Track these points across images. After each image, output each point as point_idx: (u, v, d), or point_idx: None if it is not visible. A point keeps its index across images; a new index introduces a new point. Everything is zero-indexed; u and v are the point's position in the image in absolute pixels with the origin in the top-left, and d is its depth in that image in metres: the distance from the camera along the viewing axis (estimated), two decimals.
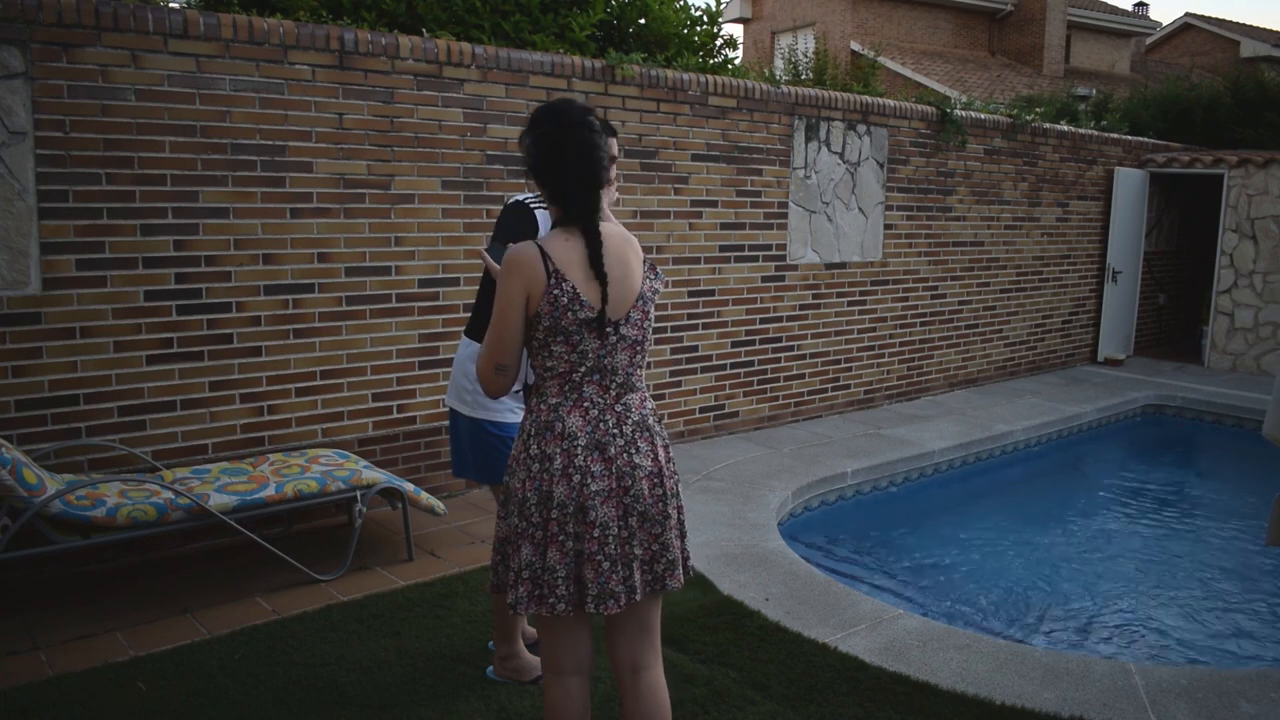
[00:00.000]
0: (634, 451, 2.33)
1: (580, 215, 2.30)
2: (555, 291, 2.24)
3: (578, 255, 2.28)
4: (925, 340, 8.20)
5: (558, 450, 2.28)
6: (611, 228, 2.39)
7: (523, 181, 5.34)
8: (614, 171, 3.15)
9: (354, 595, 3.96)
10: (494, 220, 5.24)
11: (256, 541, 4.00)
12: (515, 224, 3.05)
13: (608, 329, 2.30)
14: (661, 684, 2.44)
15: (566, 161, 2.29)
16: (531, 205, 3.12)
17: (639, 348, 2.38)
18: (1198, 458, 8.10)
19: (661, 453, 2.39)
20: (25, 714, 3.02)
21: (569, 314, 2.25)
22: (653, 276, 2.43)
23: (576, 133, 2.30)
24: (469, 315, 3.29)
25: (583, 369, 2.30)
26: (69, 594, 3.95)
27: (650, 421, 2.40)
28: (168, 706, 3.09)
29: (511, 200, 3.15)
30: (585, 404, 2.31)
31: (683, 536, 2.45)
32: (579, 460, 2.28)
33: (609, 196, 3.14)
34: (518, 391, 3.21)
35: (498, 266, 2.38)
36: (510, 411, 3.18)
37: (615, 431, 2.31)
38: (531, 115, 2.40)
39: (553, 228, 2.36)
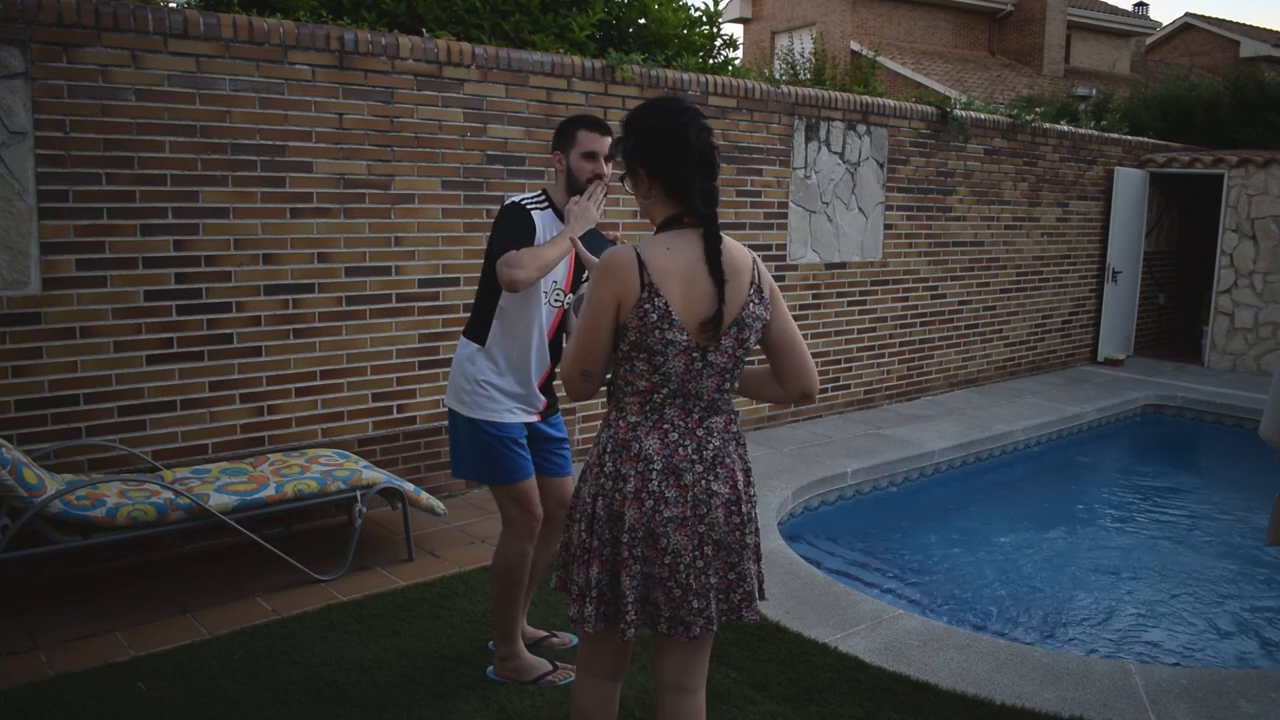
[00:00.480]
0: (712, 478, 2.21)
1: (705, 202, 2.17)
2: (646, 306, 2.12)
3: (681, 266, 2.14)
4: (925, 340, 8.20)
5: (632, 472, 2.19)
6: (729, 239, 2.24)
7: (523, 182, 5.35)
8: (609, 169, 3.16)
9: (354, 595, 3.96)
10: (493, 220, 5.25)
11: (256, 541, 4.00)
12: (513, 225, 3.04)
13: (694, 354, 2.17)
14: (703, 709, 2.35)
15: (689, 147, 2.16)
16: (528, 206, 3.11)
17: (727, 376, 2.24)
18: (1198, 458, 8.10)
19: (741, 478, 2.27)
20: (25, 714, 3.02)
21: (656, 332, 2.13)
22: (757, 301, 2.24)
23: (696, 121, 2.19)
24: (468, 315, 3.29)
25: (665, 390, 2.19)
26: (69, 594, 3.95)
27: (731, 447, 2.27)
28: (168, 706, 3.09)
29: (508, 201, 3.14)
30: (665, 426, 2.20)
31: (758, 560, 2.33)
32: (653, 485, 2.18)
33: (598, 203, 3.15)
34: (521, 394, 3.21)
35: (594, 259, 2.35)
36: (509, 412, 3.17)
37: (694, 458, 2.20)
38: (635, 111, 2.25)
39: (656, 232, 2.23)
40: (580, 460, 5.82)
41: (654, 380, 2.18)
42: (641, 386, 2.20)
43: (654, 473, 2.18)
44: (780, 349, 2.31)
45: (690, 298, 2.14)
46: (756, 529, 2.32)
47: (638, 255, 2.14)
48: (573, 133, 3.12)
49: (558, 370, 2.74)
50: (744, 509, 2.25)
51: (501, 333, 3.14)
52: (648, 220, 2.29)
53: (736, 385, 2.30)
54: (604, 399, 2.37)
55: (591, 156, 3.11)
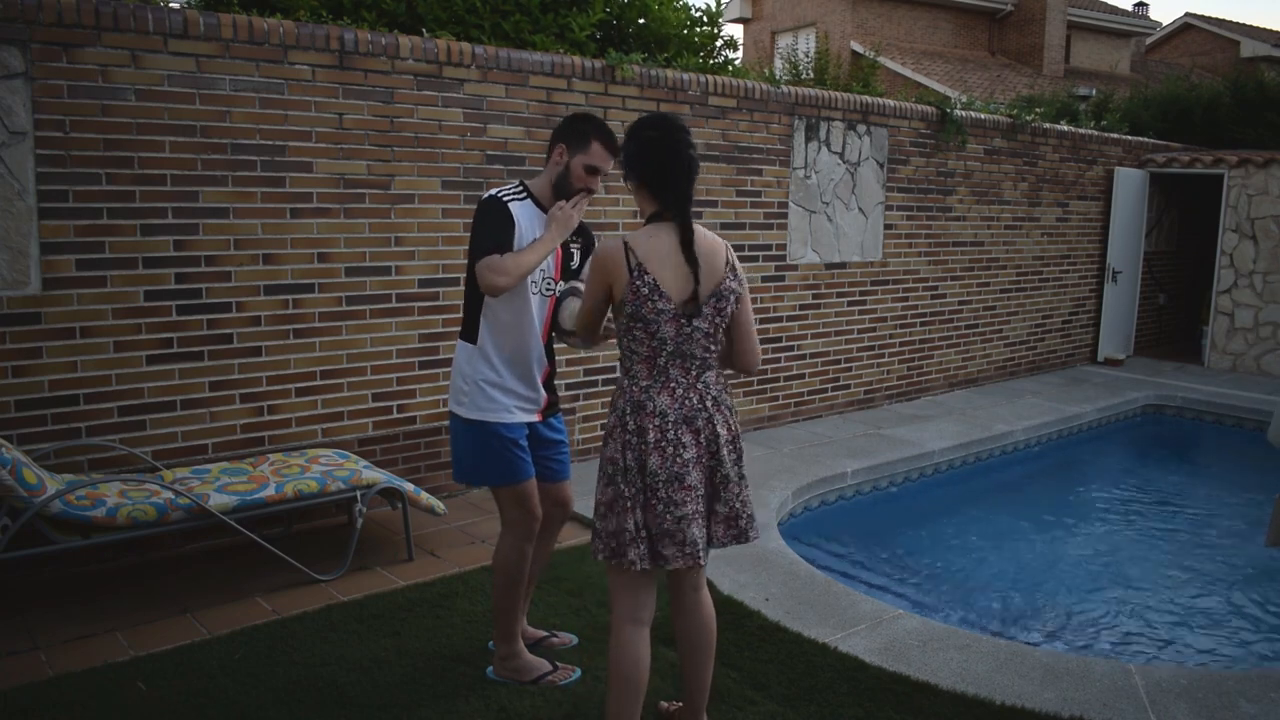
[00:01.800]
0: (716, 423, 2.68)
1: (677, 203, 2.64)
2: (637, 283, 2.60)
3: (665, 249, 2.62)
4: (925, 340, 8.20)
5: (650, 425, 2.62)
6: (701, 228, 2.71)
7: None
8: (611, 164, 3.17)
9: (354, 595, 3.96)
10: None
11: (256, 541, 4.00)
12: (494, 225, 3.01)
13: (681, 320, 2.62)
14: (710, 602, 2.87)
15: (677, 157, 2.64)
16: (506, 199, 3.09)
17: (712, 338, 2.69)
18: (1197, 458, 8.09)
19: (734, 422, 2.76)
20: (25, 714, 3.02)
21: (648, 304, 2.60)
22: (731, 277, 2.70)
23: (682, 136, 2.68)
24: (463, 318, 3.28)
25: (664, 353, 2.64)
26: (69, 594, 3.95)
27: (723, 396, 2.74)
28: (168, 706, 3.09)
29: (486, 195, 3.11)
30: (672, 384, 2.66)
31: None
32: (670, 434, 2.62)
33: (580, 213, 3.19)
34: (521, 391, 3.21)
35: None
36: (508, 412, 3.16)
37: (699, 406, 2.66)
38: (637, 123, 2.74)
39: (646, 222, 2.71)
40: (583, 460, 5.82)
41: (653, 345, 2.64)
42: (645, 352, 2.66)
43: (669, 424, 2.63)
44: (737, 328, 2.77)
45: (674, 276, 2.62)
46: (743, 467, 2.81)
47: (625, 244, 2.63)
48: (588, 140, 3.10)
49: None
50: (739, 445, 2.76)
51: (491, 330, 3.13)
52: (639, 213, 2.79)
53: (719, 348, 2.74)
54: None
55: (593, 171, 3.11)
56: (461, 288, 5.20)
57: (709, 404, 2.68)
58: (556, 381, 3.34)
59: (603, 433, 2.76)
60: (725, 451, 2.69)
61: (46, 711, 3.04)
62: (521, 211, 3.09)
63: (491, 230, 3.00)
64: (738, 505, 2.72)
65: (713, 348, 2.70)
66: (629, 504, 2.62)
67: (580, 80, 5.60)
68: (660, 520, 2.61)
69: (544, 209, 3.15)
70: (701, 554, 2.65)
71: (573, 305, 3.12)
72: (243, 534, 3.94)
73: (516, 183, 3.20)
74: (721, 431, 2.69)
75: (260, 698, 3.15)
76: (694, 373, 2.68)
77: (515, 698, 3.19)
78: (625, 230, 5.83)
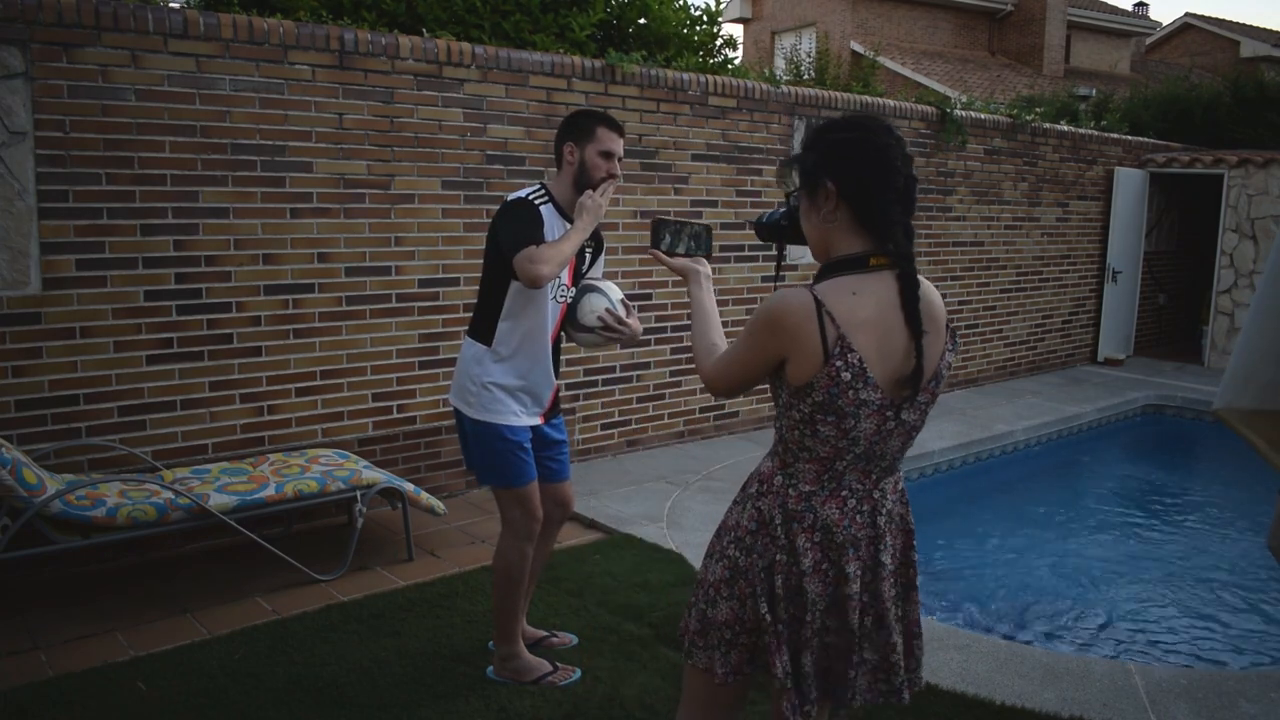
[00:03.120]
0: (881, 548, 1.97)
1: (900, 238, 1.84)
2: (838, 364, 1.80)
3: (872, 314, 1.83)
4: None
5: (809, 544, 1.93)
6: (925, 280, 1.91)
7: (523, 182, 5.34)
8: (620, 169, 3.18)
9: (354, 595, 3.96)
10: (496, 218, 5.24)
11: (256, 541, 4.00)
12: (526, 221, 2.99)
13: (888, 414, 1.88)
14: None
15: (895, 172, 1.83)
16: (534, 200, 3.10)
17: (913, 435, 1.98)
18: (1198, 458, 8.09)
19: (903, 540, 2.05)
20: (25, 714, 3.02)
21: (850, 393, 1.83)
22: (950, 348, 1.98)
23: (902, 145, 1.88)
24: (470, 315, 3.28)
25: (850, 456, 1.90)
26: (69, 594, 3.95)
27: (900, 509, 2.04)
28: (168, 706, 3.09)
29: (512, 197, 3.10)
30: (844, 493, 1.93)
31: (917, 638, 2.08)
32: (833, 555, 1.94)
33: (608, 201, 3.14)
34: (530, 395, 3.20)
35: (692, 264, 2.20)
36: (514, 415, 3.15)
37: (868, 523, 1.95)
38: (829, 123, 1.93)
39: (829, 276, 1.89)
40: (584, 460, 5.82)
41: (840, 446, 1.89)
42: (823, 453, 1.90)
43: (833, 544, 1.93)
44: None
45: (884, 351, 1.84)
46: (918, 599, 2.08)
47: (817, 302, 1.81)
48: (591, 128, 3.10)
49: (697, 369, 2.39)
50: (908, 574, 2.05)
51: (510, 333, 3.12)
52: (815, 254, 1.96)
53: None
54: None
55: (608, 155, 3.10)
56: (460, 287, 5.26)
57: (880, 520, 1.96)
58: (556, 381, 3.34)
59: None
60: (885, 586, 1.98)
61: (46, 711, 3.04)
62: (546, 213, 3.10)
63: (526, 225, 2.98)
64: (895, 659, 2.00)
65: (909, 445, 1.99)
66: (778, 640, 1.95)
67: (580, 80, 5.60)
68: (814, 655, 1.97)
69: (563, 213, 3.14)
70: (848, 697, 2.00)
71: (593, 301, 3.07)
72: (243, 534, 3.94)
73: (538, 185, 3.18)
74: (885, 560, 1.97)
75: (260, 698, 3.15)
76: (874, 477, 1.95)
77: (515, 698, 3.19)
78: (624, 232, 5.84)
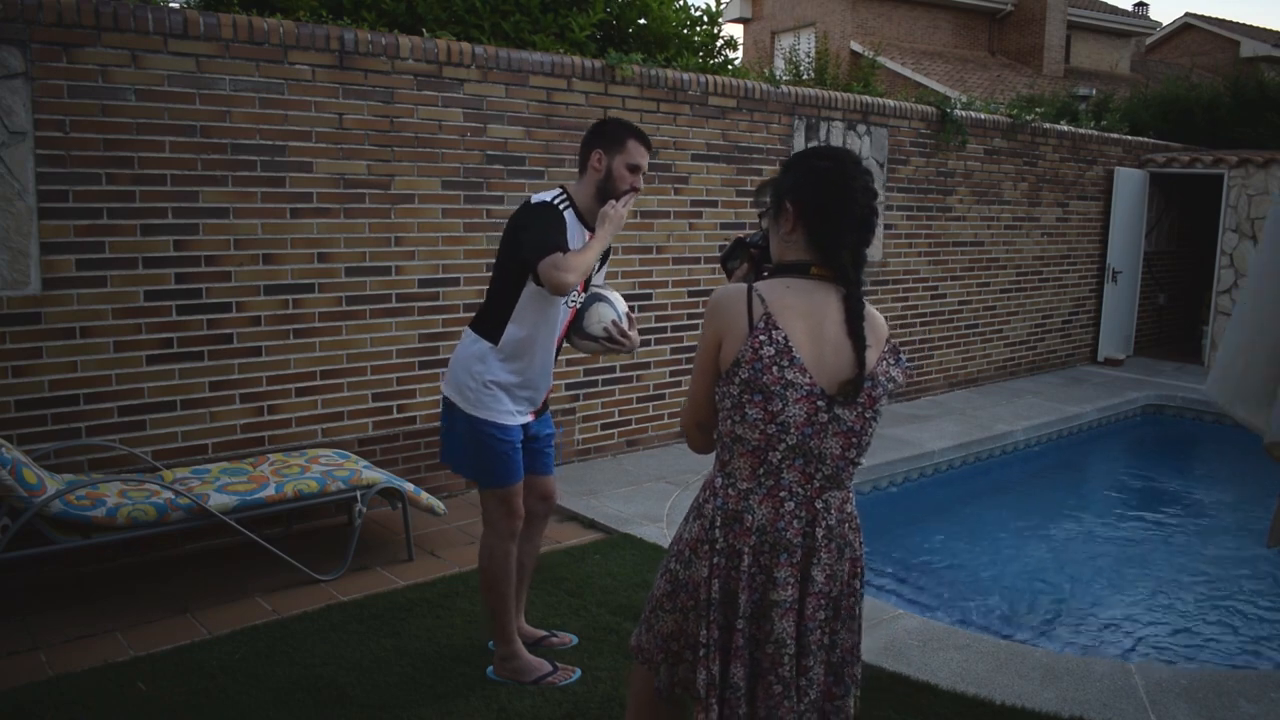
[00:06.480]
0: (813, 562, 1.96)
1: (854, 267, 2.01)
2: (761, 338, 1.89)
3: (803, 305, 1.94)
4: (925, 340, 8.20)
5: (746, 547, 1.93)
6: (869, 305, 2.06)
7: (523, 182, 5.34)
8: (649, 159, 3.18)
9: (354, 595, 3.96)
10: (493, 220, 5.25)
11: (256, 541, 4.00)
12: (551, 226, 2.99)
13: (819, 403, 1.90)
14: None
15: (853, 202, 1.98)
16: (559, 205, 3.09)
17: (854, 440, 1.97)
18: (1197, 458, 8.09)
19: (848, 568, 2.03)
20: (25, 714, 3.02)
21: (774, 369, 1.88)
22: (892, 360, 2.04)
23: (865, 179, 2.02)
24: (470, 314, 3.28)
25: (782, 446, 1.91)
26: (69, 594, 3.95)
27: (846, 529, 2.02)
28: (168, 706, 3.09)
29: (536, 200, 3.09)
30: (782, 494, 1.94)
31: (850, 664, 2.10)
32: (764, 560, 1.94)
33: (629, 212, 3.15)
34: (528, 395, 3.20)
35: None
36: (510, 414, 3.16)
37: (805, 531, 1.95)
38: (806, 151, 2.10)
39: (765, 275, 2.04)
40: (584, 459, 5.82)
41: (769, 431, 1.91)
42: (754, 441, 1.92)
43: (766, 547, 1.93)
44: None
45: (815, 337, 1.93)
46: (860, 623, 2.10)
47: (750, 288, 1.94)
48: (623, 139, 3.10)
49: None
50: (846, 604, 2.02)
51: (518, 333, 3.12)
52: (773, 259, 2.07)
53: (861, 458, 2.01)
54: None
55: (635, 169, 3.11)
56: (461, 287, 5.26)
57: (819, 532, 1.95)
58: (556, 381, 3.34)
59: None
60: (811, 603, 1.95)
61: (46, 711, 3.04)
62: (569, 219, 3.10)
63: (551, 230, 2.98)
64: (838, 691, 2.04)
65: (852, 455, 1.98)
66: (710, 650, 1.96)
67: (580, 80, 5.60)
68: (745, 667, 1.97)
69: (583, 219, 3.14)
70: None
71: (601, 311, 3.11)
72: (243, 534, 3.94)
73: (559, 190, 3.17)
74: (818, 577, 1.95)
75: (260, 698, 3.15)
76: (817, 483, 1.95)
77: (515, 698, 3.19)
78: (625, 231, 5.84)
